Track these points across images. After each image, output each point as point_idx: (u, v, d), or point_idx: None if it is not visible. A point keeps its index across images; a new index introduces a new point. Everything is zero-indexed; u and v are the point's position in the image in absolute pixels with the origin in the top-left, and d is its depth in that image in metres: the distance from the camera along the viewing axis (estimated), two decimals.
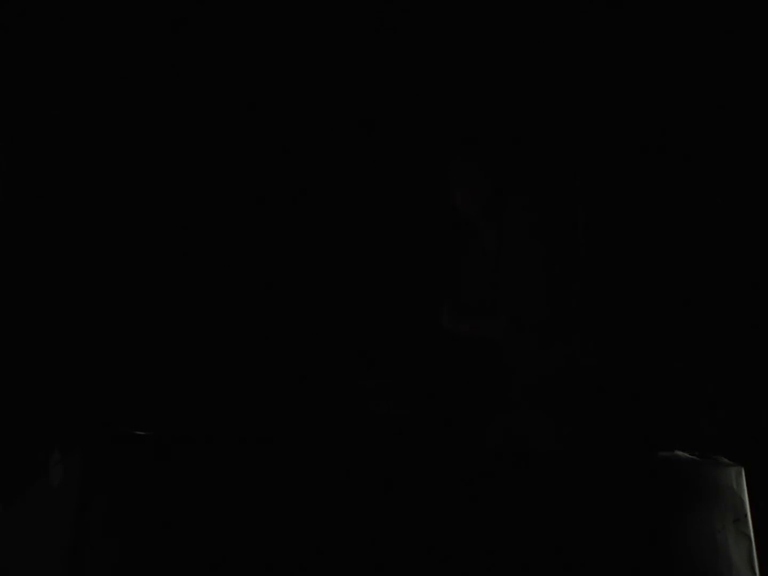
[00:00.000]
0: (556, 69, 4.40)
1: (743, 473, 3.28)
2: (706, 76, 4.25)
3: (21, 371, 3.86)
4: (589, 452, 3.36)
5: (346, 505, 3.37)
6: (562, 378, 3.50)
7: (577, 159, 4.30)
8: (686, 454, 3.32)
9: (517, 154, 4.28)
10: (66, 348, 3.98)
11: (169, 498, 3.34)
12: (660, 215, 4.28)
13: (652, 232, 4.29)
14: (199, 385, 3.87)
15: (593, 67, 4.36)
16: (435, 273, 4.13)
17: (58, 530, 3.26)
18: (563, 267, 3.92)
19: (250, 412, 3.72)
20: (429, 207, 4.25)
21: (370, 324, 4.22)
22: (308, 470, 3.45)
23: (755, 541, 3.22)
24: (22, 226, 4.13)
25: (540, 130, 4.42)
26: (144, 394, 3.76)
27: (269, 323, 4.21)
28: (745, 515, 3.23)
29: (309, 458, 3.48)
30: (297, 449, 3.50)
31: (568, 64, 4.40)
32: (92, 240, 4.20)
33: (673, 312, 4.09)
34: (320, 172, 4.43)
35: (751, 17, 4.20)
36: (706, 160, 4.25)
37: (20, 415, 3.70)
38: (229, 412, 3.73)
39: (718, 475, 3.31)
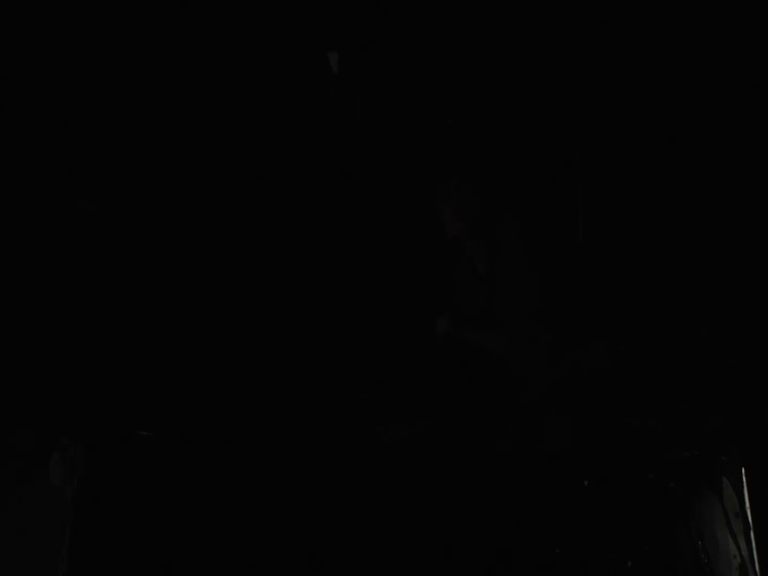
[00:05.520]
0: (553, 69, 4.41)
1: (743, 473, 3.29)
2: (705, 75, 4.26)
3: (22, 371, 3.86)
4: (593, 452, 3.37)
5: (348, 512, 3.38)
6: (571, 379, 3.51)
7: (576, 156, 4.30)
8: (687, 454, 3.33)
9: (510, 163, 4.28)
10: (67, 348, 3.97)
11: (169, 498, 3.35)
12: (661, 217, 4.28)
13: (653, 233, 4.28)
14: (200, 387, 3.87)
15: (591, 66, 4.36)
16: (434, 287, 4.14)
17: (58, 530, 3.26)
18: (565, 278, 3.92)
19: (250, 414, 3.72)
20: (422, 220, 4.25)
21: (372, 337, 4.23)
22: (310, 472, 3.46)
23: (755, 540, 3.22)
24: (22, 225, 4.13)
25: (536, 133, 4.43)
26: (144, 394, 3.75)
27: (271, 328, 4.21)
28: (745, 514, 3.24)
29: (311, 460, 3.49)
30: (299, 451, 3.51)
31: (565, 64, 4.40)
32: (93, 240, 4.20)
33: (674, 313, 4.09)
34: (317, 186, 4.45)
35: (751, 16, 4.20)
36: (709, 159, 4.24)
37: (21, 414, 3.69)
38: (229, 413, 3.73)
39: (718, 475, 3.32)
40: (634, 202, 4.26)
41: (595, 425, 3.44)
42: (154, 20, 4.25)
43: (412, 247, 4.37)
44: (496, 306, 3.71)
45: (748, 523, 3.22)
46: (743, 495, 3.26)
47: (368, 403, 3.73)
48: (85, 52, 4.20)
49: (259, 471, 3.42)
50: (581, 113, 4.33)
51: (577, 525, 3.26)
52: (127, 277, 4.17)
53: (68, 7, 4.17)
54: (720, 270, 4.12)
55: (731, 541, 3.23)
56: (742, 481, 3.27)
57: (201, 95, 4.31)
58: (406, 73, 4.44)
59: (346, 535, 3.34)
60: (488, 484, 3.35)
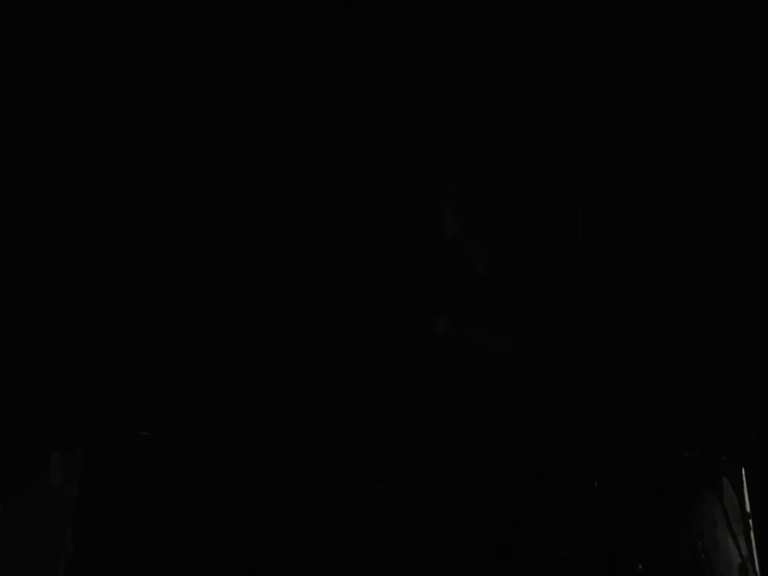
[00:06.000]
0: (553, 70, 4.40)
1: (743, 473, 3.29)
2: (705, 75, 4.25)
3: (22, 371, 3.86)
4: (594, 452, 3.37)
5: (348, 511, 3.38)
6: (571, 379, 3.51)
7: (576, 156, 4.29)
8: (687, 454, 3.33)
9: (510, 163, 4.27)
10: (68, 348, 3.97)
11: (169, 498, 3.35)
12: (661, 217, 4.27)
13: (653, 233, 4.28)
14: (200, 387, 3.87)
15: (591, 67, 4.35)
16: (432, 285, 4.14)
17: (58, 530, 3.26)
18: (565, 278, 3.92)
19: (250, 414, 3.72)
20: (422, 221, 4.24)
21: (372, 337, 4.23)
22: (310, 472, 3.46)
23: (755, 540, 3.22)
24: (23, 225, 4.12)
25: (536, 133, 4.42)
26: (144, 394, 3.75)
27: (271, 328, 4.21)
28: (746, 514, 3.24)
29: (311, 460, 3.49)
30: (299, 451, 3.51)
31: (565, 64, 4.39)
32: (93, 240, 4.20)
33: (674, 313, 4.09)
34: (318, 188, 4.45)
35: (751, 16, 4.19)
36: (708, 160, 4.23)
37: (21, 414, 3.69)
38: (229, 413, 3.73)
39: (718, 475, 3.32)
40: (634, 202, 4.26)
41: (595, 425, 3.44)
42: (154, 20, 4.25)
43: (412, 247, 4.36)
44: (496, 306, 3.71)
45: (748, 523, 3.22)
46: (743, 495, 3.26)
47: (368, 403, 3.73)
48: (85, 52, 4.20)
49: (259, 471, 3.42)
50: (581, 113, 4.32)
51: (576, 525, 3.26)
52: (127, 277, 4.17)
53: (68, 7, 4.16)
54: (720, 270, 4.12)
55: (731, 541, 3.23)
56: (742, 481, 3.27)
57: (201, 95, 4.31)
58: (406, 74, 4.43)
59: (346, 534, 3.34)
60: (488, 484, 3.35)
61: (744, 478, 3.28)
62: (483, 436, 3.54)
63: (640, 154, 4.25)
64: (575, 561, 3.21)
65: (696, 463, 3.33)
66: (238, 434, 3.58)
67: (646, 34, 4.22)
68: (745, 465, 3.30)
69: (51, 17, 4.16)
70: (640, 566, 3.17)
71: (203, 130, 4.31)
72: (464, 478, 3.38)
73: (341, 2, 4.36)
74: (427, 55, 4.40)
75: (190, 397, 3.76)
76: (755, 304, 4.01)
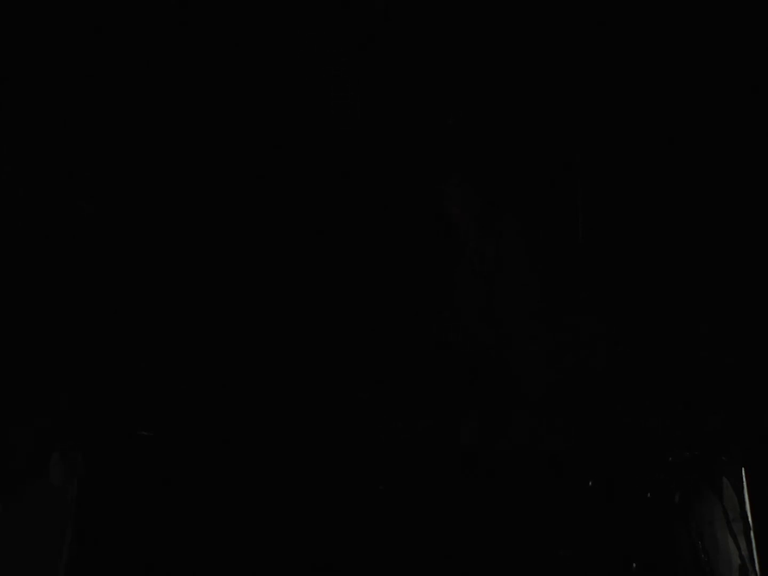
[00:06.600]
0: (553, 69, 4.40)
1: (743, 473, 3.29)
2: (705, 75, 4.25)
3: (22, 370, 3.86)
4: (593, 452, 3.37)
5: (348, 512, 3.38)
6: (571, 379, 3.52)
7: (576, 156, 4.30)
8: (687, 454, 3.33)
9: (510, 163, 4.28)
10: (67, 348, 3.98)
11: (169, 498, 3.35)
12: (661, 217, 4.27)
13: (653, 233, 4.28)
14: (200, 387, 3.87)
15: (591, 66, 4.36)
16: (432, 285, 4.14)
17: (58, 530, 3.26)
18: (565, 278, 3.92)
19: (250, 414, 3.73)
20: (422, 220, 4.25)
21: (372, 337, 4.23)
22: (310, 472, 3.46)
23: (755, 540, 3.22)
24: (22, 225, 4.13)
25: (536, 133, 4.43)
26: (144, 394, 3.76)
27: (271, 328, 4.21)
28: (746, 514, 3.24)
29: (311, 460, 3.49)
30: (299, 451, 3.51)
31: (565, 64, 4.39)
32: (93, 240, 4.21)
33: (674, 313, 4.09)
34: (316, 185, 4.45)
35: (751, 16, 4.20)
36: (709, 160, 4.24)
37: (21, 414, 3.70)
38: (229, 413, 3.73)
39: (718, 475, 3.32)
40: (634, 202, 4.26)
41: (595, 425, 3.44)
42: (154, 20, 4.25)
43: (412, 247, 4.37)
44: (496, 306, 3.71)
45: (748, 523, 3.22)
46: (743, 495, 3.26)
47: (368, 403, 3.73)
48: (85, 52, 4.20)
49: (260, 471, 3.42)
50: (581, 113, 4.33)
51: (576, 525, 3.26)
52: (127, 277, 4.17)
53: (68, 7, 4.17)
54: (720, 270, 4.12)
55: (731, 541, 3.23)
56: (742, 481, 3.27)
57: (201, 95, 4.31)
58: (406, 74, 4.43)
59: (346, 534, 3.34)
60: (488, 484, 3.35)
61: (744, 478, 3.28)
62: (483, 436, 3.54)
63: (640, 154, 4.25)
64: (575, 561, 3.22)
65: (696, 463, 3.33)
66: (238, 434, 3.58)
67: (645, 34, 4.22)
68: (745, 465, 3.30)
69: (51, 17, 4.16)
70: (634, 565, 3.17)
71: (203, 130, 4.31)
72: (464, 478, 3.38)
73: (341, 2, 4.36)
74: (427, 55, 4.40)
75: (190, 397, 3.76)
76: (755, 304, 4.01)
